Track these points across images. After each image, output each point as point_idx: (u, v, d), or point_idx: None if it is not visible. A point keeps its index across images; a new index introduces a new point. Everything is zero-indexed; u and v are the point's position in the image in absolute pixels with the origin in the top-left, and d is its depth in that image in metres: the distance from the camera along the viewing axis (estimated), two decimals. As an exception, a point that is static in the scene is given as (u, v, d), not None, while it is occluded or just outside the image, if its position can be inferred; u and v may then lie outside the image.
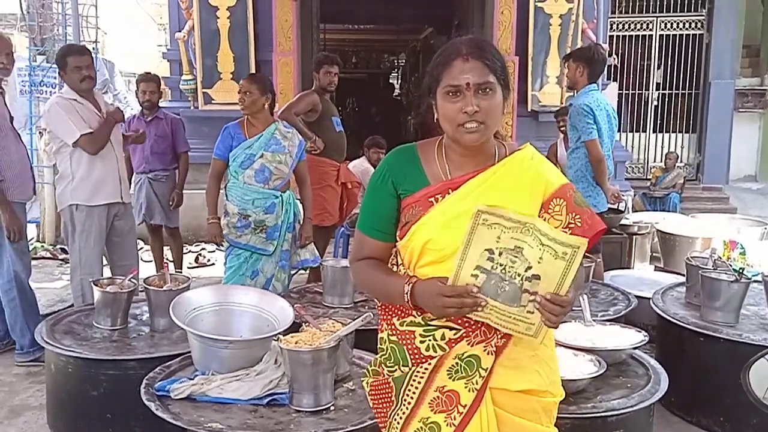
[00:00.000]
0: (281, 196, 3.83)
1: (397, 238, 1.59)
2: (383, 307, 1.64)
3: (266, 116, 3.87)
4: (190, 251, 6.33)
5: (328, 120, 4.88)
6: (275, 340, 2.33)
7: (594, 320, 2.92)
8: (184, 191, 5.19)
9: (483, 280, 1.42)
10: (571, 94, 6.27)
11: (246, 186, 3.78)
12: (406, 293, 1.49)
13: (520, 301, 1.43)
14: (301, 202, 4.08)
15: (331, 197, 4.92)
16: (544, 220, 1.52)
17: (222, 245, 4.02)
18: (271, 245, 3.82)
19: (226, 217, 3.83)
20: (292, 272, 4.06)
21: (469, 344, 1.52)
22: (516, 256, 1.42)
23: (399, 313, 1.59)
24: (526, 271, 1.41)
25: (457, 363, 1.53)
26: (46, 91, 6.74)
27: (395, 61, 17.43)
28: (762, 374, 3.09)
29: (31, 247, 5.03)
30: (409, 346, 1.57)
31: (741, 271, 3.24)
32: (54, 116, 3.78)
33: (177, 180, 5.15)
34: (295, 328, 2.41)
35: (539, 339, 1.47)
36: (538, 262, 1.41)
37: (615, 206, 4.85)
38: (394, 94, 17.44)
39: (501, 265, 1.42)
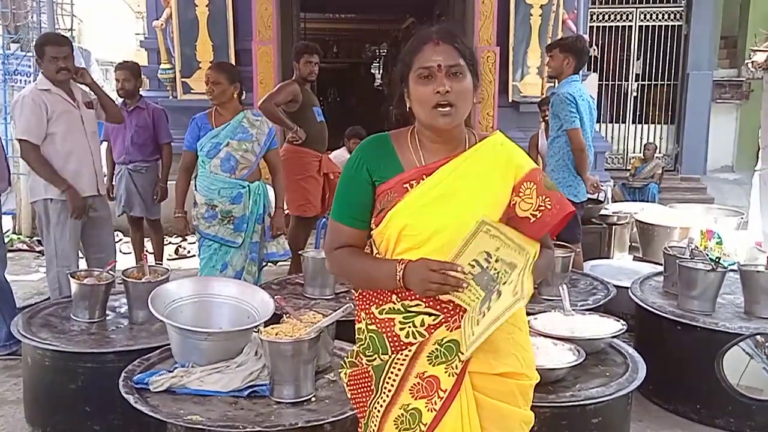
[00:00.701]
0: (248, 186, 3.79)
1: (373, 226, 1.60)
2: (361, 296, 1.64)
3: (235, 105, 3.82)
4: (170, 242, 6.27)
5: (309, 110, 4.84)
6: (255, 331, 2.32)
7: (573, 310, 2.94)
8: (167, 181, 5.10)
9: (478, 272, 1.47)
10: (552, 84, 6.31)
11: (212, 175, 3.75)
12: (399, 272, 1.50)
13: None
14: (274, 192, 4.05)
15: (313, 188, 4.89)
16: (515, 204, 1.57)
17: (186, 239, 3.96)
18: (239, 237, 3.78)
19: (195, 208, 3.80)
20: (262, 265, 4.02)
21: (448, 329, 1.54)
22: (508, 270, 1.48)
23: (377, 301, 1.60)
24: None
25: (436, 348, 1.54)
26: (20, 80, 6.61)
27: (376, 51, 17.36)
28: (735, 362, 3.15)
29: (6, 239, 4.96)
30: (389, 334, 1.58)
31: (717, 260, 3.29)
32: (18, 109, 3.72)
33: (160, 172, 5.05)
34: (275, 319, 2.40)
35: (465, 353, 1.50)
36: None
37: (594, 196, 4.89)
38: (375, 84, 17.38)
39: (496, 269, 1.48)
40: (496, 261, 1.47)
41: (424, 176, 1.55)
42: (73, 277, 3.11)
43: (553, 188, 1.59)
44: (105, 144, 5.10)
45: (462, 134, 1.61)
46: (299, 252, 3.83)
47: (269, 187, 4.01)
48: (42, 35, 4.11)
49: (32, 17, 6.84)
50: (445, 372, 1.53)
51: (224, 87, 3.75)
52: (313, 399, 2.22)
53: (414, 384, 1.55)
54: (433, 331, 1.55)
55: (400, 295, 1.56)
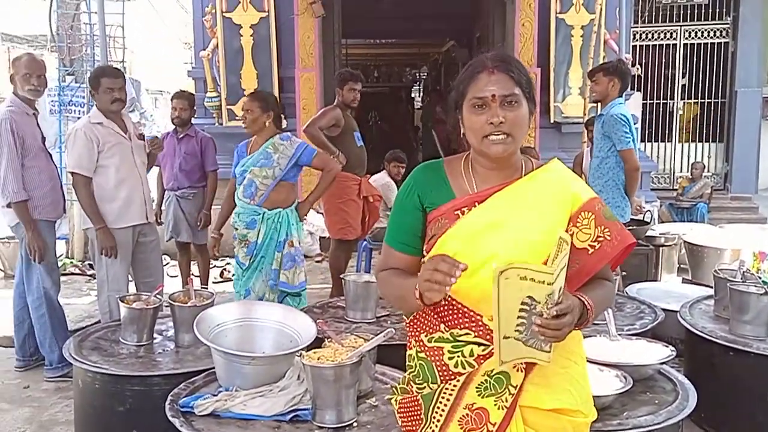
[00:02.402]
0: (263, 213, 3.84)
1: (424, 252, 1.59)
2: (411, 323, 1.63)
3: (268, 133, 3.90)
4: (215, 266, 6.39)
5: (349, 135, 4.92)
6: (298, 355, 2.33)
7: (620, 334, 2.87)
8: (211, 207, 5.22)
9: (524, 326, 1.39)
10: (594, 105, 6.24)
11: (238, 200, 3.94)
12: (416, 285, 1.45)
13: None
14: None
15: (353, 211, 4.94)
16: (572, 234, 1.51)
17: (215, 257, 4.34)
18: (247, 260, 3.90)
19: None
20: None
21: None
22: (549, 296, 1.38)
23: (427, 329, 1.58)
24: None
25: (486, 380, 1.51)
26: (74, 111, 6.89)
27: (417, 75, 17.49)
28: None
29: (60, 264, 5.12)
30: (438, 363, 1.56)
31: (771, 283, 3.18)
32: (71, 141, 3.85)
33: (205, 199, 5.17)
34: (317, 343, 2.41)
35: (497, 362, 1.43)
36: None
37: (639, 217, 4.82)
38: (416, 108, 17.48)
39: (537, 302, 1.38)
40: (539, 303, 1.36)
41: (476, 203, 1.53)
42: (123, 301, 3.19)
43: (612, 218, 1.54)
44: (157, 170, 5.28)
45: (517, 161, 1.58)
46: (340, 275, 3.85)
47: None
48: (98, 67, 4.28)
49: (86, 50, 7.13)
50: (495, 405, 1.50)
51: (256, 115, 3.85)
52: (355, 424, 2.21)
53: (463, 415, 1.52)
54: (482, 361, 1.52)
55: (448, 324, 1.54)
